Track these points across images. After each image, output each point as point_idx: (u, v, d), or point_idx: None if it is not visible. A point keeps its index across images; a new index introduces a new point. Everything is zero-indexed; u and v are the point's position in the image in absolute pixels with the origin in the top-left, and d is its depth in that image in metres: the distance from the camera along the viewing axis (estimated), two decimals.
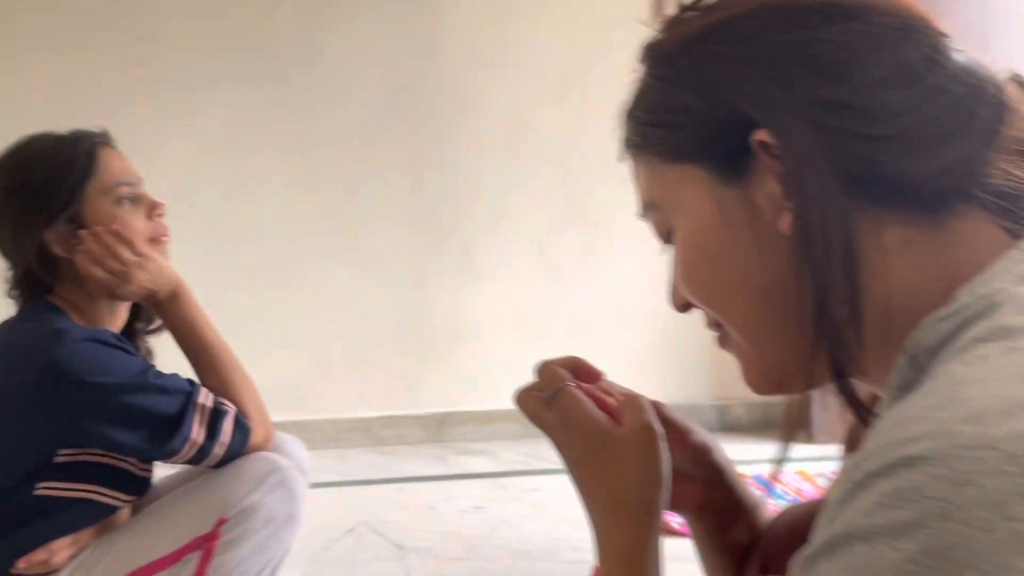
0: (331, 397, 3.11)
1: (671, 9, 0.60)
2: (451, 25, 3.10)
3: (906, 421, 0.39)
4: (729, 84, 0.53)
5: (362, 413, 3.14)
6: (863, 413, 0.52)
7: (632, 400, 0.66)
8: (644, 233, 2.82)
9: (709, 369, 3.18)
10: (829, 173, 0.50)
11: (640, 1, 3.03)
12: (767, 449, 2.88)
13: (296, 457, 1.46)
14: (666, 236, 0.61)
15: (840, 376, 0.51)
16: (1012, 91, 0.51)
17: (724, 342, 0.59)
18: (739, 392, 3.25)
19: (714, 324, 0.59)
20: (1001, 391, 0.38)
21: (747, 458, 2.79)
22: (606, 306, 3.15)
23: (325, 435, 3.06)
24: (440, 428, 3.17)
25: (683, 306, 0.61)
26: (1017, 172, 0.49)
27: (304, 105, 3.06)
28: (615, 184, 3.12)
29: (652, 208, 0.61)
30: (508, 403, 3.07)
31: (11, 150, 1.37)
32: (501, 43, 3.11)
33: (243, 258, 3.05)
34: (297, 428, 2.40)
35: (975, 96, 0.50)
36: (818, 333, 0.50)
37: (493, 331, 3.16)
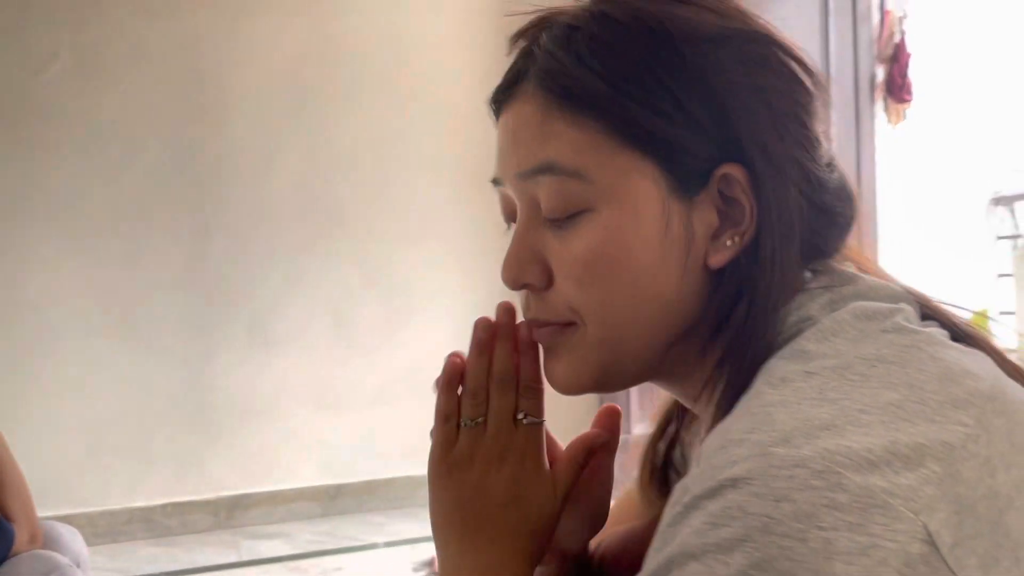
0: (104, 486, 2.85)
1: None
2: (238, 91, 3.01)
3: (728, 444, 0.43)
4: (733, 107, 0.52)
5: (141, 502, 2.89)
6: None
7: None
8: (443, 299, 2.83)
9: None
10: (797, 235, 0.52)
11: (436, 77, 3.10)
12: None
13: (73, 551, 1.34)
14: (566, 209, 0.54)
15: (734, 398, 0.51)
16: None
17: (556, 334, 0.56)
18: None
19: (555, 314, 0.56)
20: (804, 414, 0.43)
21: None
22: (407, 374, 3.12)
23: (98, 529, 2.79)
24: (231, 513, 2.97)
25: (521, 284, 0.57)
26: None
27: (75, 171, 2.84)
28: (413, 250, 3.16)
29: (574, 176, 0.53)
30: (304, 480, 2.95)
31: None
32: (291, 109, 3.06)
33: (2, 335, 2.76)
34: (65, 523, 2.17)
35: (848, 185, 0.56)
36: (725, 362, 0.52)
37: (287, 405, 3.03)
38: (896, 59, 3.32)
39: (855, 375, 0.45)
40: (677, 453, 0.70)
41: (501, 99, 0.58)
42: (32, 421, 2.73)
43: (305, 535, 2.85)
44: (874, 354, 0.46)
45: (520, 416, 0.60)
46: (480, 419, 0.60)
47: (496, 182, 0.59)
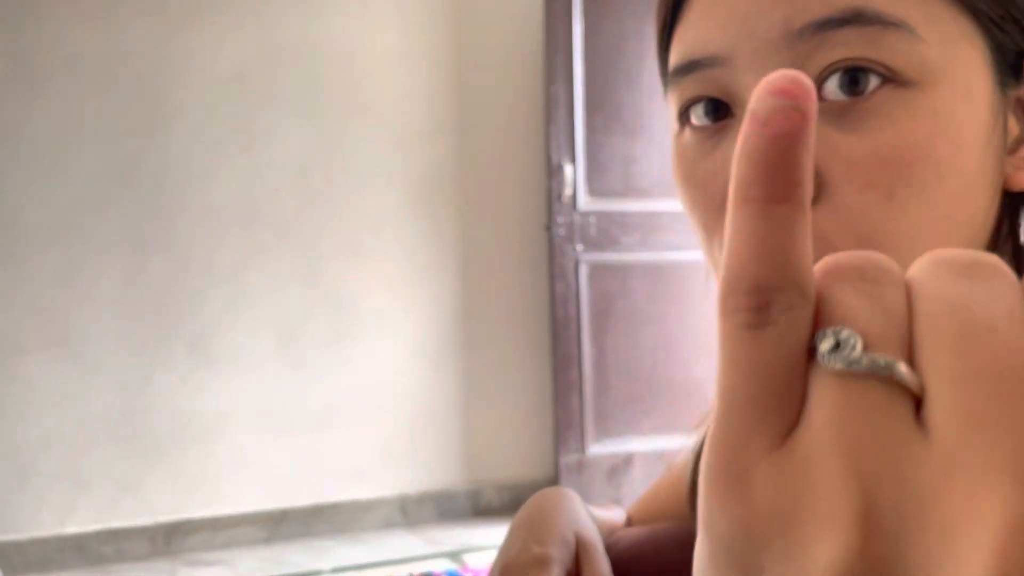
0: (35, 512, 2.74)
1: None
2: (179, 102, 2.93)
3: None
4: None
5: (74, 528, 2.78)
6: None
7: None
8: (392, 317, 2.75)
9: (460, 454, 3.15)
10: None
11: (385, 90, 3.05)
12: None
13: None
14: (860, 73, 0.37)
15: None
16: None
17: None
18: (490, 476, 3.27)
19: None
20: None
21: (500, 541, 2.82)
22: (355, 393, 3.05)
23: (29, 557, 2.67)
24: (170, 539, 2.87)
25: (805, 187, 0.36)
26: None
27: (6, 182, 2.74)
28: (361, 267, 3.10)
29: (897, 27, 0.37)
30: (247, 505, 2.85)
31: None
32: (235, 121, 2.99)
33: None
34: None
35: None
36: None
37: (229, 426, 2.94)
38: None
39: None
40: None
41: None
42: None
43: (248, 562, 2.77)
44: None
45: None
46: (900, 364, 0.18)
47: (698, 65, 0.40)
